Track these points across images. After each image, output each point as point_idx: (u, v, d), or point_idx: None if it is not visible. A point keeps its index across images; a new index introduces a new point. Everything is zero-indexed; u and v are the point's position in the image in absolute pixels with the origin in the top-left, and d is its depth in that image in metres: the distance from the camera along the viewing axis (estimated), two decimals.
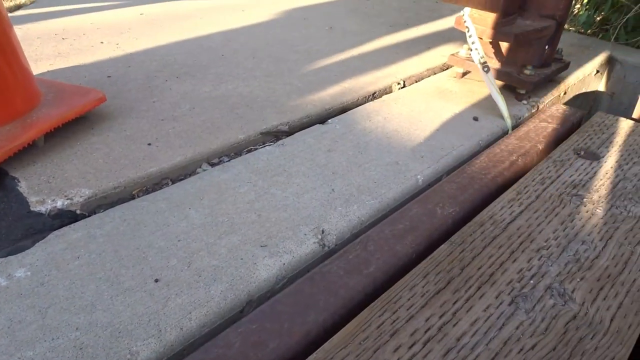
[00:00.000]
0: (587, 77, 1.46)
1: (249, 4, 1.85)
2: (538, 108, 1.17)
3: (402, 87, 1.21)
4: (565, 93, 1.31)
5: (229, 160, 0.88)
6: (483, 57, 1.07)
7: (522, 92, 1.17)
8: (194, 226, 0.72)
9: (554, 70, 1.23)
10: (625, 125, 1.07)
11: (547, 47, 1.17)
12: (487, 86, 1.08)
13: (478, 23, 1.06)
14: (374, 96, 1.16)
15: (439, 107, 1.10)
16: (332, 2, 1.93)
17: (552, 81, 1.29)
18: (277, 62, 1.30)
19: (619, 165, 0.91)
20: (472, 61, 1.19)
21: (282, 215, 0.74)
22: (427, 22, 1.76)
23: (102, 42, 1.37)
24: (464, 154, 0.95)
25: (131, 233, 0.70)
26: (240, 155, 0.91)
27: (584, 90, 1.48)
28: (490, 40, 1.12)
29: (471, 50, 1.08)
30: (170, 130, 0.94)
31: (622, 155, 0.95)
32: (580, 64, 1.46)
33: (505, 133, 1.06)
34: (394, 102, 1.12)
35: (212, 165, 0.88)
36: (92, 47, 1.34)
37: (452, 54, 1.23)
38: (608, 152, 0.96)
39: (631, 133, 1.03)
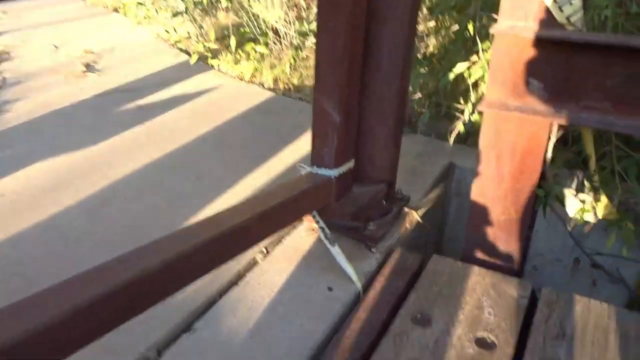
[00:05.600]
0: (432, 193, 1.67)
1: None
2: (386, 254, 1.33)
3: (265, 255, 1.32)
4: (412, 220, 1.49)
5: None
6: (329, 233, 1.22)
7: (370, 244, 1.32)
8: None
9: (395, 213, 1.40)
10: (454, 270, 1.25)
11: (384, 201, 1.34)
12: (335, 257, 1.22)
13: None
14: (239, 276, 1.26)
15: (297, 281, 1.22)
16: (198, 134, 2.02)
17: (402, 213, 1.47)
18: None
19: (447, 329, 1.08)
20: None
21: None
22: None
23: None
24: (320, 341, 1.07)
25: None
26: None
27: (431, 206, 1.68)
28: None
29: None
30: None
31: (449, 314, 1.12)
32: (424, 182, 1.66)
33: (357, 297, 1.20)
34: (258, 282, 1.22)
35: None
36: None
37: None
38: (440, 312, 1.13)
39: (458, 281, 1.22)
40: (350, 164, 1.19)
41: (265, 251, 1.34)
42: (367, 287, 1.23)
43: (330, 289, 1.20)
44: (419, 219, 1.46)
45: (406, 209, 1.47)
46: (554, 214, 1.52)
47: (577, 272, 1.70)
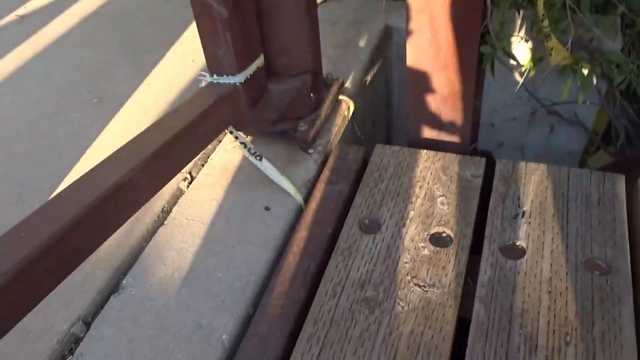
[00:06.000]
0: (372, 67, 1.48)
1: None
2: (326, 154, 1.19)
3: (190, 182, 1.16)
4: (349, 107, 1.32)
5: None
6: (251, 148, 1.05)
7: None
8: None
9: (329, 103, 1.23)
10: (401, 159, 1.12)
11: (312, 94, 1.16)
12: (266, 173, 1.07)
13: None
14: (165, 213, 1.11)
15: (230, 206, 1.08)
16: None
17: (336, 101, 1.29)
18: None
19: (399, 231, 0.98)
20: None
21: None
22: None
23: None
24: (262, 273, 0.97)
25: None
26: None
27: (372, 83, 1.50)
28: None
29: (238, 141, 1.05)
30: None
31: (400, 213, 1.01)
32: (360, 56, 1.46)
33: (299, 211, 1.08)
34: (185, 217, 1.08)
35: None
36: None
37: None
38: (388, 211, 1.02)
39: (406, 171, 1.09)
40: (258, 62, 0.98)
41: (189, 177, 1.18)
42: (308, 196, 1.11)
43: (267, 208, 1.07)
44: (350, 107, 1.29)
45: (341, 97, 1.29)
46: (505, 68, 1.37)
47: (534, 122, 1.60)
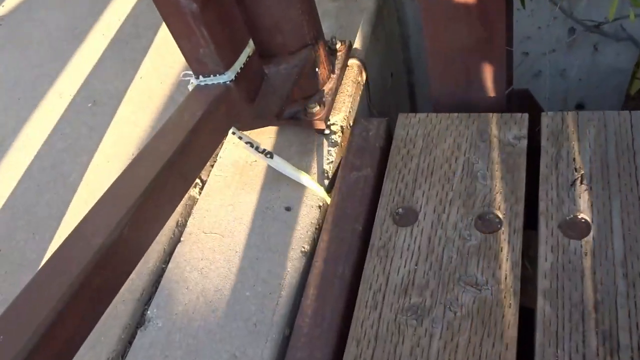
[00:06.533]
0: (377, 16, 1.30)
1: None
2: (343, 131, 1.05)
3: (201, 188, 1.06)
4: (362, 71, 1.17)
5: None
6: (259, 146, 0.93)
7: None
8: None
9: (339, 72, 1.08)
10: (428, 128, 0.98)
11: (317, 69, 1.01)
12: (279, 170, 0.95)
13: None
14: (180, 227, 1.02)
15: (247, 210, 0.98)
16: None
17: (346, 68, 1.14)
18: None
19: (439, 219, 0.86)
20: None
21: None
22: None
23: None
24: (294, 285, 0.87)
25: None
26: None
27: (381, 30, 1.32)
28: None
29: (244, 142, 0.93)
30: None
31: (437, 196, 0.89)
32: (365, 6, 1.27)
33: (323, 207, 0.97)
34: (202, 229, 0.99)
35: None
36: None
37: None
38: (424, 195, 0.90)
39: (436, 142, 0.95)
40: (248, 50, 0.84)
41: (200, 182, 1.08)
42: (331, 187, 0.99)
43: (288, 209, 0.96)
44: (362, 70, 1.13)
45: (351, 60, 1.13)
46: None
47: (574, 44, 1.40)
